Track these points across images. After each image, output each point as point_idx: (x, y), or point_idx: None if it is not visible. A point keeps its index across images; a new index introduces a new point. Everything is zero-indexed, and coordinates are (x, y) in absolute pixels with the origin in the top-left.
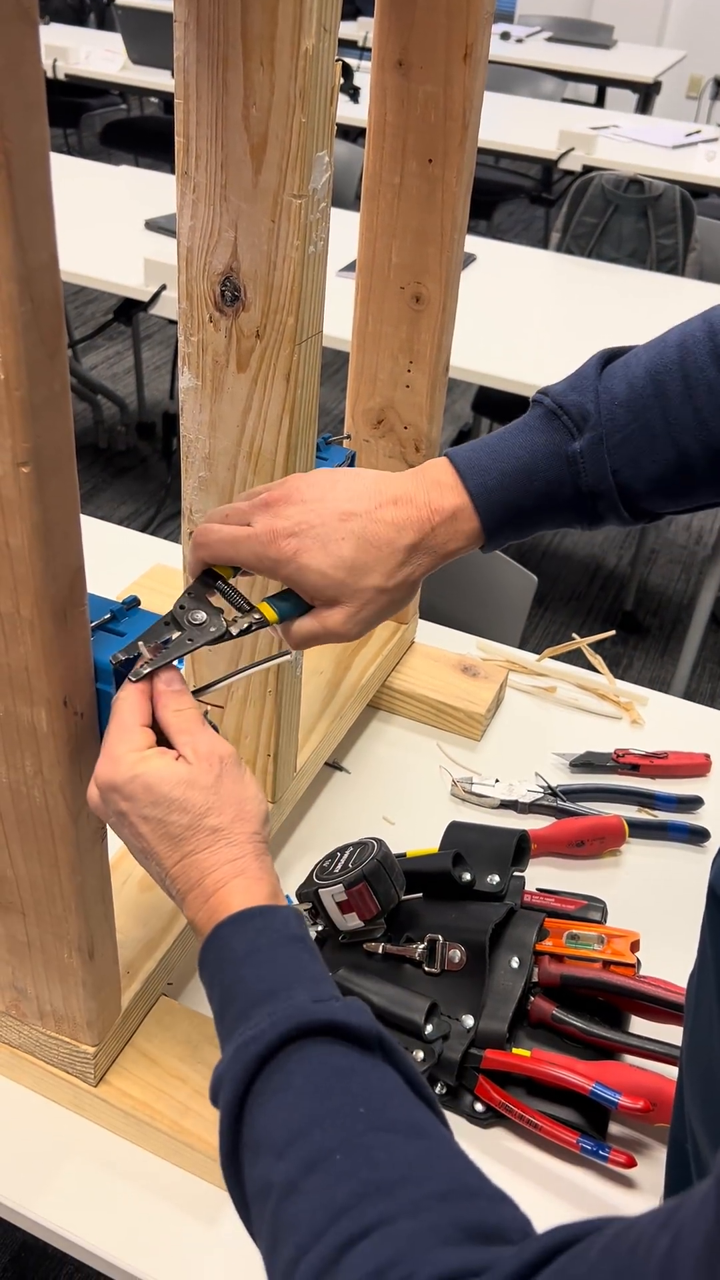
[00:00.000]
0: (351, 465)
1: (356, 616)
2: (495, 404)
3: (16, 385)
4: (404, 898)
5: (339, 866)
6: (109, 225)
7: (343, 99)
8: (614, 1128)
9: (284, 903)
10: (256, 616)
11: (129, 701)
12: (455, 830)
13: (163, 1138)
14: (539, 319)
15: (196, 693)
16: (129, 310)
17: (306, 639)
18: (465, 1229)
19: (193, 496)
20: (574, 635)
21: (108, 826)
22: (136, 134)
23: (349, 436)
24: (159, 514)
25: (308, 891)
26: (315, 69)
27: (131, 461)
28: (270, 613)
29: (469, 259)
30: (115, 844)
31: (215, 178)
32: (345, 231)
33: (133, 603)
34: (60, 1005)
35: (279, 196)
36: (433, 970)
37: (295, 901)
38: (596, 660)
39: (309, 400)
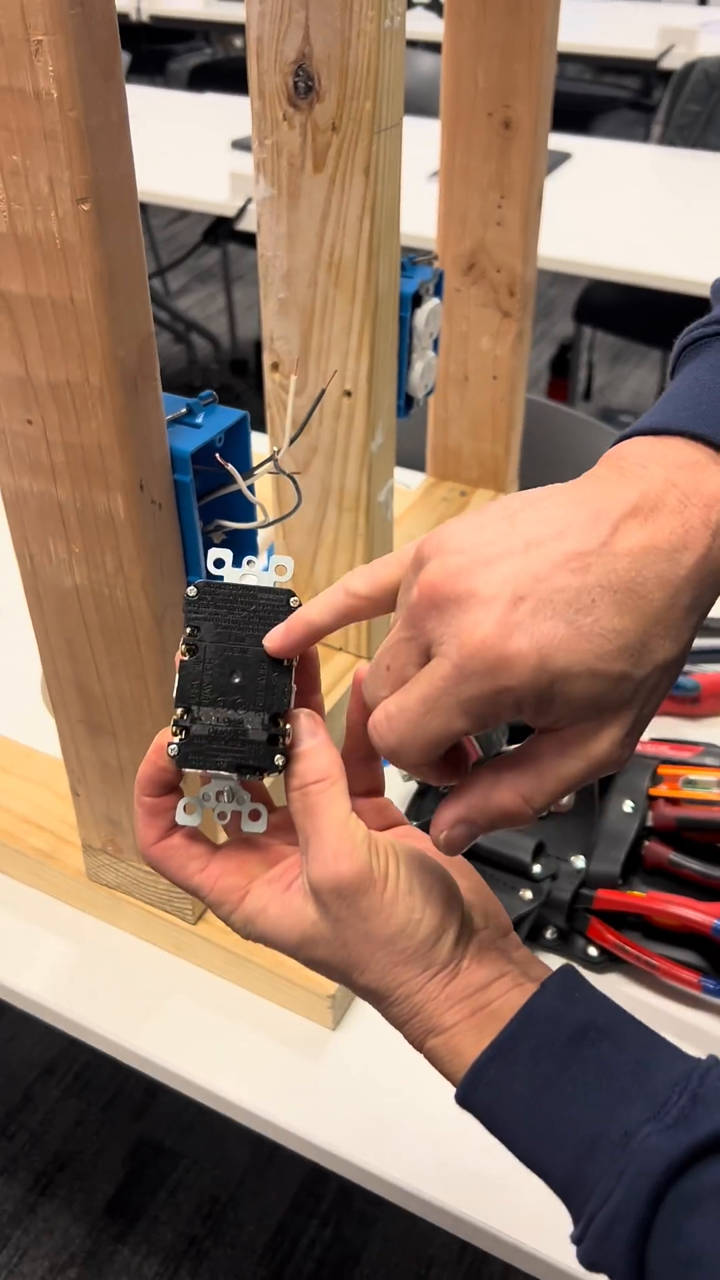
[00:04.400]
0: (439, 286)
1: (635, 731)
2: (601, 310)
3: (71, 105)
4: (507, 747)
5: None
6: (195, 148)
7: (429, 15)
8: None
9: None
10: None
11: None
12: None
13: (263, 974)
14: (643, 215)
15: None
16: (216, 231)
17: (567, 787)
18: None
19: (273, 322)
20: None
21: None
22: (223, 76)
23: (436, 257)
24: None
25: None
26: None
27: (225, 397)
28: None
29: (563, 157)
30: None
31: None
32: (426, 141)
33: (209, 398)
34: None
35: None
36: None
37: None
38: None
39: (390, 200)
